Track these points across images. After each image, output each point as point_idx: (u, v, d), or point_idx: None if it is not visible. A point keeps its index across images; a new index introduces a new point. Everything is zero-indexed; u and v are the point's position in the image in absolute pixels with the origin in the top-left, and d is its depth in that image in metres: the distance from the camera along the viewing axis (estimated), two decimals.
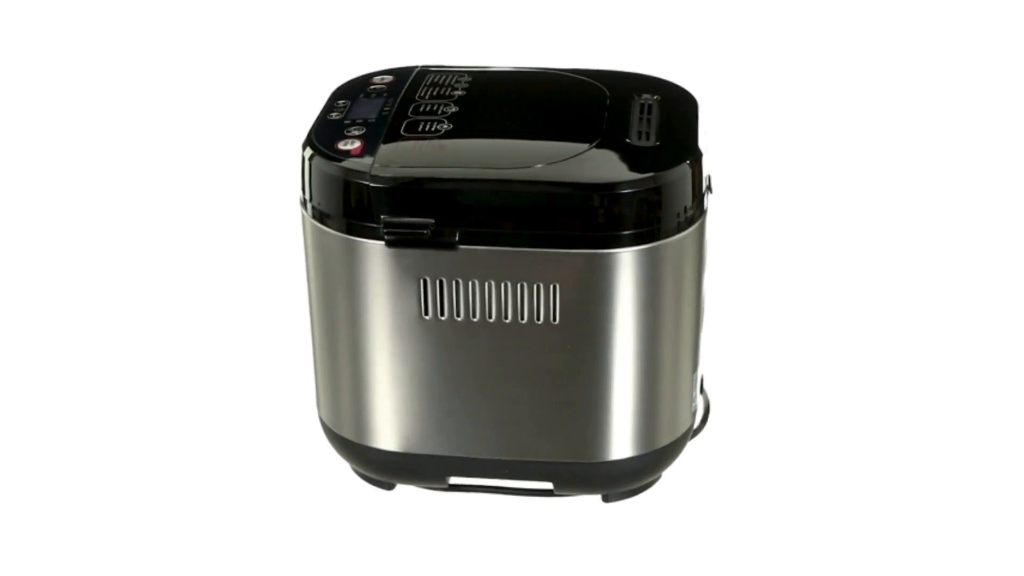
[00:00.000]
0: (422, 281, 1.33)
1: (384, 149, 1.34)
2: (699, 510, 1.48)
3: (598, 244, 1.30)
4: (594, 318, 1.33)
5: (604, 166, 1.32)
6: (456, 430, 1.40)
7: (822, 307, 1.83)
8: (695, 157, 1.35)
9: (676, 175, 1.32)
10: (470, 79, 1.51)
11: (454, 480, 1.46)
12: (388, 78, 1.52)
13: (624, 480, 1.45)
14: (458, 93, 1.46)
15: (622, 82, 1.50)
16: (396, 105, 1.43)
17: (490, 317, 1.34)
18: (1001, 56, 2.06)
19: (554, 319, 1.33)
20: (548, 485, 1.44)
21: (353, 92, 1.48)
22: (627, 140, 1.36)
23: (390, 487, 1.49)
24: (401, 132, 1.38)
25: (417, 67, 1.55)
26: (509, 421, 1.39)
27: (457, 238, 1.31)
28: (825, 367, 1.71)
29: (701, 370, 1.61)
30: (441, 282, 1.33)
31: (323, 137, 1.38)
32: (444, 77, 1.51)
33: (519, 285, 1.32)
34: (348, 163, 1.33)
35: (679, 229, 1.33)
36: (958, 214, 1.97)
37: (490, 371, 1.37)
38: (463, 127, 1.39)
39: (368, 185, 1.31)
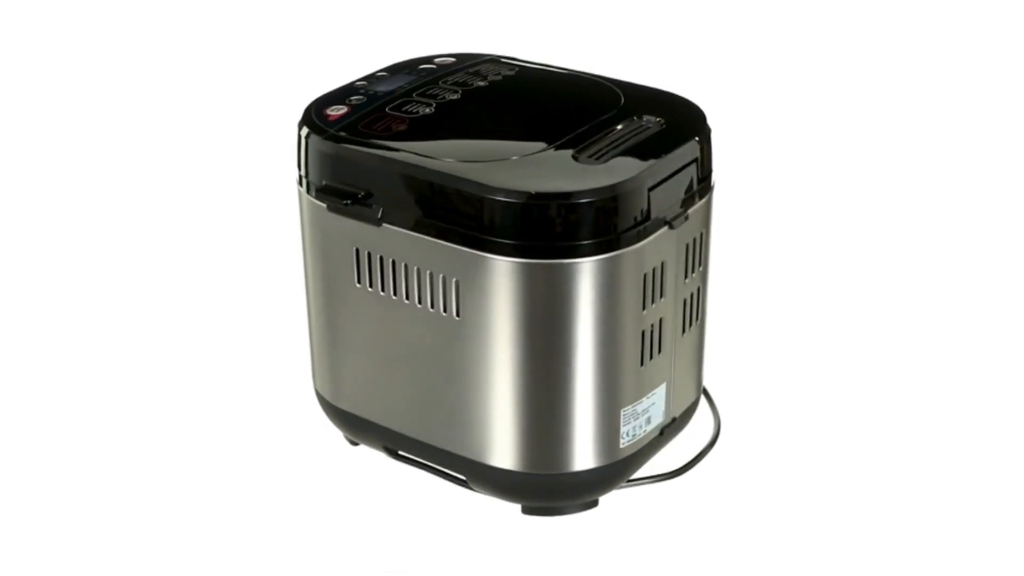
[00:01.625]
0: (355, 250, 1.39)
1: (353, 120, 1.41)
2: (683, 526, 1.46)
3: (493, 249, 1.31)
4: (494, 321, 1.33)
5: (516, 174, 1.31)
6: (387, 403, 1.45)
7: (827, 317, 1.78)
8: (603, 186, 1.29)
9: (574, 197, 1.28)
10: (510, 72, 1.52)
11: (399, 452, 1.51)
12: (448, 60, 1.57)
13: (536, 495, 1.43)
14: (480, 84, 1.49)
15: (650, 101, 1.46)
16: (414, 85, 1.49)
17: (407, 299, 1.38)
18: (997, 63, 2.08)
19: (458, 314, 1.35)
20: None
21: (401, 67, 1.55)
22: (574, 155, 1.34)
23: (354, 444, 1.57)
24: (386, 109, 1.43)
25: (486, 55, 1.58)
26: (428, 406, 1.42)
27: (380, 215, 1.36)
28: (830, 377, 1.67)
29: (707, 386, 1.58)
30: (369, 254, 1.39)
31: (325, 101, 1.46)
32: (493, 67, 1.53)
33: (427, 273, 1.35)
34: (316, 126, 1.41)
35: (562, 254, 1.29)
36: (965, 231, 1.95)
37: (409, 352, 1.40)
38: (440, 114, 1.42)
39: (317, 149, 1.39)
